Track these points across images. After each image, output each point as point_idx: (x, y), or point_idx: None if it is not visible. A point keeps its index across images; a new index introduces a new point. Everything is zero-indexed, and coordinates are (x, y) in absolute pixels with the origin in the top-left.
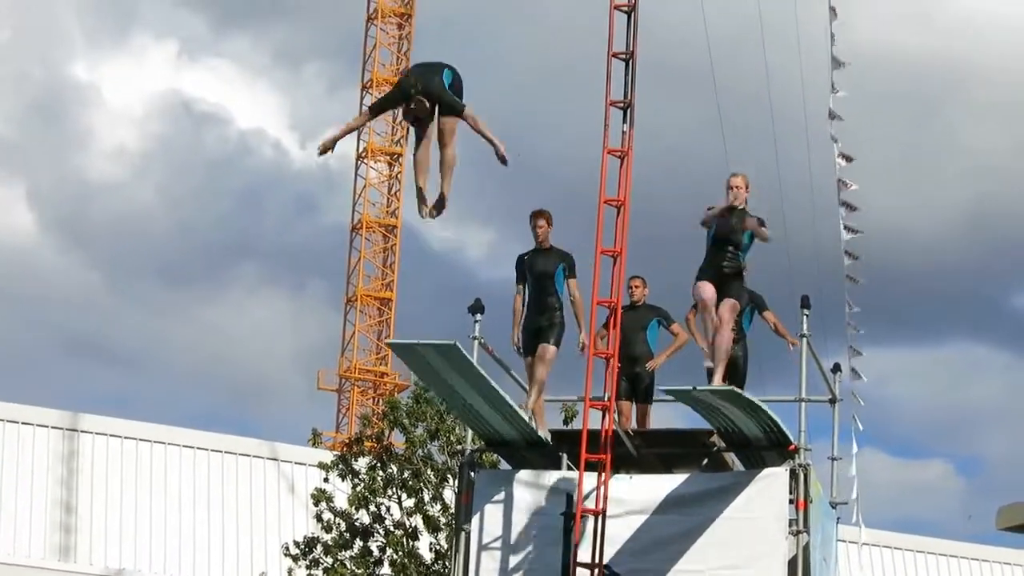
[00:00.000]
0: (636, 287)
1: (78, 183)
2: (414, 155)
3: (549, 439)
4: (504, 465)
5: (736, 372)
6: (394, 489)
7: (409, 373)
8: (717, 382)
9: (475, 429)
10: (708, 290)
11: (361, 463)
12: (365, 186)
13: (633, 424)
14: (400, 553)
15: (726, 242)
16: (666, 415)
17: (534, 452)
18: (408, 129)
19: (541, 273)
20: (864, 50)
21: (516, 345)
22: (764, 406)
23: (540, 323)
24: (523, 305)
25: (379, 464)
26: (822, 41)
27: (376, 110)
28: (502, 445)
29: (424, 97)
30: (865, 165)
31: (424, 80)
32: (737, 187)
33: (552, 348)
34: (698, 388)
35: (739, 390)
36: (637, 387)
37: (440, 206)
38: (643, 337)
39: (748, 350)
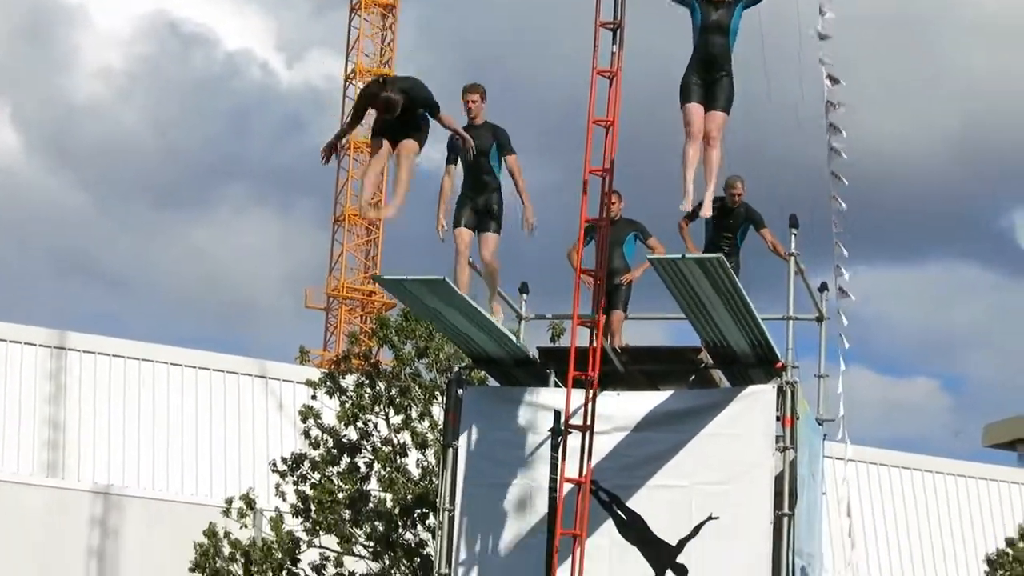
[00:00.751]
0: (612, 203)
1: (64, 104)
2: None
3: (528, 353)
4: (492, 382)
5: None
6: (382, 406)
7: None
8: (707, 203)
9: (463, 348)
10: (697, 116)
11: (349, 380)
12: None
13: (622, 341)
14: (387, 469)
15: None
16: (653, 333)
17: (522, 370)
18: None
19: (475, 151)
20: None
21: (441, 226)
22: (749, 300)
23: (478, 204)
24: (452, 186)
25: (367, 381)
26: None
27: (353, 117)
28: (490, 363)
29: (396, 94)
30: (855, 86)
31: (398, 81)
32: None
33: (494, 236)
34: (687, 256)
35: (725, 260)
36: (615, 301)
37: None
38: (620, 252)
39: (741, 265)
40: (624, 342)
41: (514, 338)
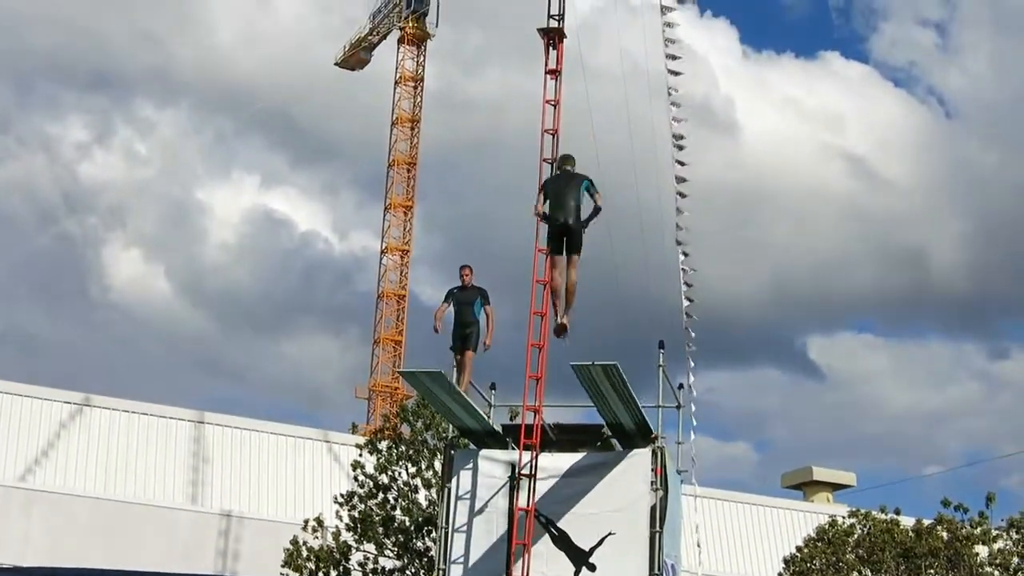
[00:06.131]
0: (466, 275)
1: (199, 265)
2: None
3: (495, 428)
4: (472, 447)
5: (572, 240)
6: (403, 461)
7: (413, 389)
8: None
9: (453, 423)
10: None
11: (383, 444)
12: (385, 270)
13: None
14: (406, 502)
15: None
16: (575, 415)
17: (491, 438)
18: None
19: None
20: (702, 180)
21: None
22: (632, 391)
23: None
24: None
25: (394, 445)
26: (670, 176)
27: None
28: (470, 433)
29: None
30: (702, 255)
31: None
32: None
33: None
34: (596, 363)
35: (619, 367)
36: (467, 343)
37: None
38: (470, 310)
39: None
40: (546, 422)
41: (485, 417)
